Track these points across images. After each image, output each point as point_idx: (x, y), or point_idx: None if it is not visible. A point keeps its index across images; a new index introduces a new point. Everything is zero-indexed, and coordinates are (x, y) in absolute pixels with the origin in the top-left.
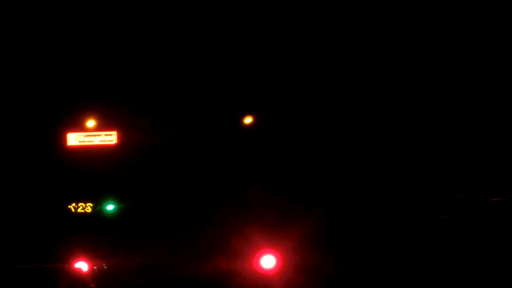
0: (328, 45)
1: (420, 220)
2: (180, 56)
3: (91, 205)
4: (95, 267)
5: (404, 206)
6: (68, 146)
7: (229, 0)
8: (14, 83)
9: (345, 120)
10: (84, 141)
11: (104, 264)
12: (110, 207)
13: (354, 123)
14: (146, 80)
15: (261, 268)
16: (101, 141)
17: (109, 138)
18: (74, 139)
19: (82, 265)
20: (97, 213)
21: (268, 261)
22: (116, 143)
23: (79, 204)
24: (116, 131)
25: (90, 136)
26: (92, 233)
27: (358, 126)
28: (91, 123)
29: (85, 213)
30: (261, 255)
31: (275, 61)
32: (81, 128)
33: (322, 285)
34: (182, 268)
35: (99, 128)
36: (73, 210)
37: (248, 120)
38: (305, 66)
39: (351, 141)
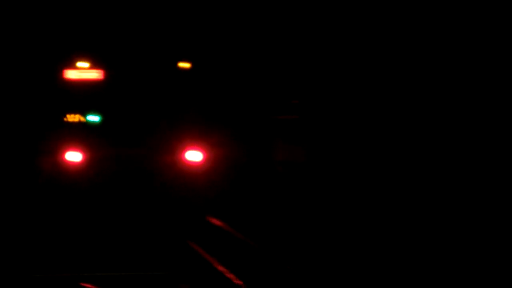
0: None
1: None
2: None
3: (80, 117)
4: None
5: None
6: (66, 78)
7: None
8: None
9: None
10: (78, 76)
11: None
12: (94, 118)
13: None
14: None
15: (188, 160)
16: (91, 76)
17: (97, 74)
18: (71, 74)
19: (74, 155)
20: (84, 122)
21: (194, 155)
22: (101, 78)
23: (71, 115)
24: (102, 70)
25: (83, 72)
26: (81, 136)
27: None
28: (85, 64)
29: (76, 122)
30: (188, 151)
31: None
32: (76, 67)
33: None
34: (136, 159)
35: (91, 67)
36: (67, 120)
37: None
38: None
39: None
